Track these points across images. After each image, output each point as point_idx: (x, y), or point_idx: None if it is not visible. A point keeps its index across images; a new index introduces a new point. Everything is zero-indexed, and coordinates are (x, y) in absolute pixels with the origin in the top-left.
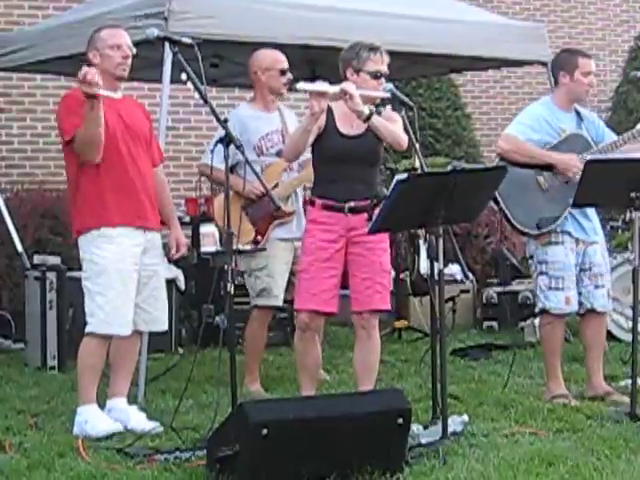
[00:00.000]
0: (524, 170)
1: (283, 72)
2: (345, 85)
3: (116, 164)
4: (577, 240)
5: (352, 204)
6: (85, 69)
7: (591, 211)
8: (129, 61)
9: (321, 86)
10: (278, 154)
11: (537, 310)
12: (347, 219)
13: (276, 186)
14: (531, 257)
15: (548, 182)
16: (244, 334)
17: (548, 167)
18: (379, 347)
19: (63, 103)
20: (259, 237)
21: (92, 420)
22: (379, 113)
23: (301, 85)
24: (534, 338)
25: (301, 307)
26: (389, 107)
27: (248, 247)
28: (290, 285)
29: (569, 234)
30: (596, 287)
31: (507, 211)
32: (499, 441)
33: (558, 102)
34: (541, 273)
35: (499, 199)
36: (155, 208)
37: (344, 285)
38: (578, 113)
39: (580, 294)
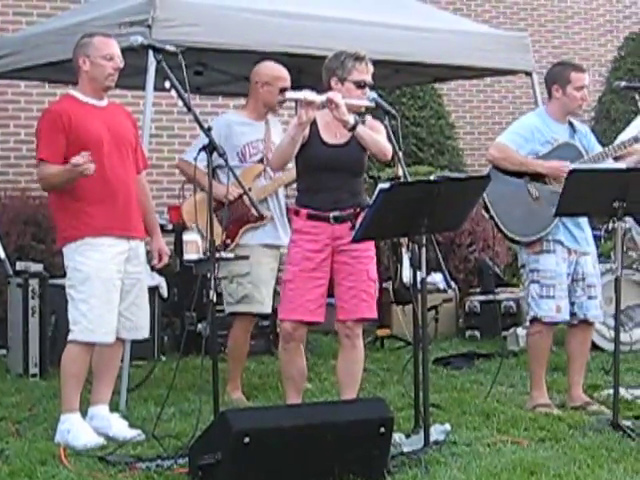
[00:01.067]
0: (515, 178)
1: (282, 90)
2: (331, 94)
3: (100, 172)
4: (569, 250)
5: (337, 213)
6: (77, 161)
7: (583, 221)
8: (117, 73)
9: (309, 95)
10: (260, 162)
11: (528, 318)
12: (332, 228)
13: (249, 190)
14: (523, 266)
15: (538, 191)
16: (226, 342)
17: (539, 176)
18: (363, 356)
19: (41, 125)
20: (228, 240)
21: (75, 431)
22: (363, 122)
23: (289, 94)
24: (516, 347)
25: (285, 317)
26: (369, 117)
27: (231, 255)
28: (275, 294)
29: (561, 243)
30: (589, 298)
31: (497, 219)
32: (481, 450)
33: (552, 113)
34: (532, 281)
35: (489, 207)
36: (139, 216)
37: (329, 294)
38: (571, 125)
39: (573, 304)
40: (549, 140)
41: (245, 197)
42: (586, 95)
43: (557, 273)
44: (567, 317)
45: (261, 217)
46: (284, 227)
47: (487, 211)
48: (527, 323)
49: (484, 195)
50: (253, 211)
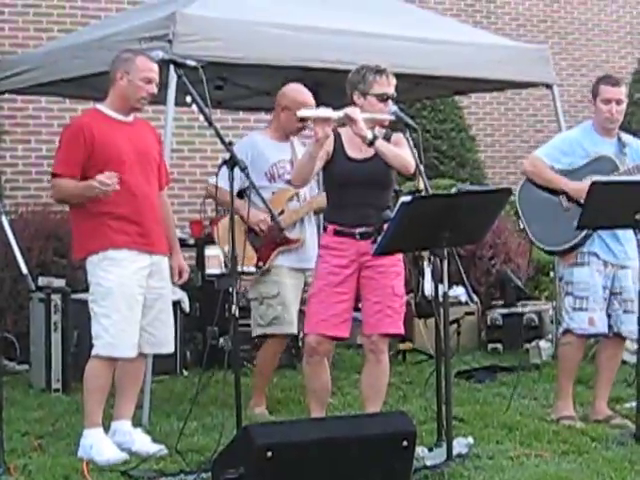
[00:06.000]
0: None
1: (302, 119)
2: (348, 110)
3: (124, 187)
4: (605, 262)
5: (363, 229)
6: (102, 181)
7: (623, 234)
8: (150, 98)
9: (323, 112)
10: (289, 182)
11: (561, 330)
12: (358, 244)
13: (282, 212)
14: (560, 279)
15: (569, 202)
16: (251, 357)
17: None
18: (387, 371)
19: (65, 135)
20: (260, 263)
21: (98, 446)
22: (388, 137)
23: (301, 112)
24: (539, 360)
25: (309, 330)
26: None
27: (253, 269)
28: (301, 314)
29: (596, 255)
30: (625, 312)
31: (527, 228)
32: (504, 463)
33: (596, 127)
34: (567, 294)
35: (521, 216)
36: (162, 232)
37: (355, 309)
38: (620, 139)
39: (609, 317)
40: (590, 154)
41: (276, 218)
42: (612, 109)
43: (590, 285)
44: (603, 330)
45: (293, 240)
46: (315, 249)
47: (518, 218)
48: (559, 334)
49: (517, 205)
50: (287, 234)
